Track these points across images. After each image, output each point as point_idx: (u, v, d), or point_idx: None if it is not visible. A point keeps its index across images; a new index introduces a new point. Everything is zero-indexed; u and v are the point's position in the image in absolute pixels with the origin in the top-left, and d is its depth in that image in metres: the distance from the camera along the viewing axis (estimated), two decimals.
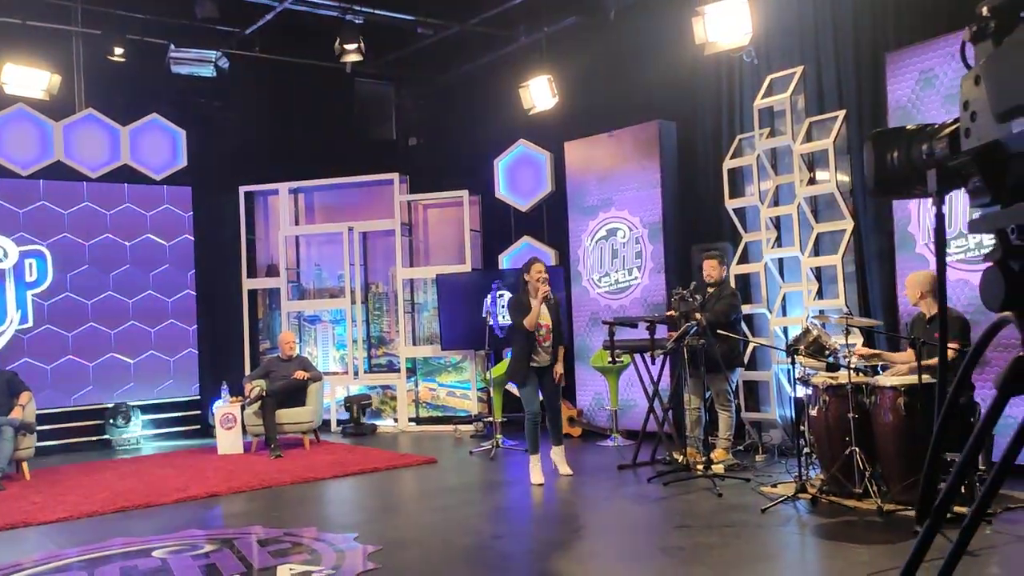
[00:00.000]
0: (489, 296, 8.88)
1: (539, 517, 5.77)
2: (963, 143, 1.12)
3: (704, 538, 4.78)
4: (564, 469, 6.68)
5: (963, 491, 4.96)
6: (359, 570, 4.52)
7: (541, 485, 6.45)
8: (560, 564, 4.64)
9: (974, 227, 1.14)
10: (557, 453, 6.72)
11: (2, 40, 8.82)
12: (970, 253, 6.14)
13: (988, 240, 6.02)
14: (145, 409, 10.01)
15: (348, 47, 9.49)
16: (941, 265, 1.25)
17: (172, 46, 9.61)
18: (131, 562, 4.91)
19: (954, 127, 1.18)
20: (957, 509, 4.86)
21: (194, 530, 5.62)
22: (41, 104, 9.23)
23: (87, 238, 9.88)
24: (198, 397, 10.46)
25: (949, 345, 5.24)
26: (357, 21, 9.50)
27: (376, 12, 9.39)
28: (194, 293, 10.52)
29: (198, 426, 10.35)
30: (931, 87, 6.37)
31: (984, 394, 5.70)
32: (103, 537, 5.46)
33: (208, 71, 9.95)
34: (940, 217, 1.24)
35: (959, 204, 6.20)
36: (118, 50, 9.35)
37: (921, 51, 6.44)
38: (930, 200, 1.25)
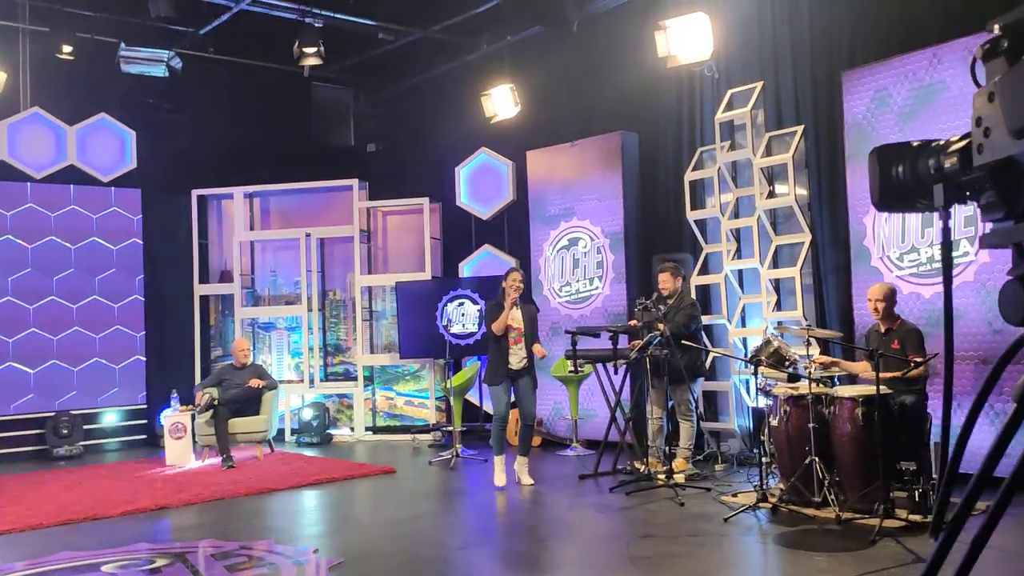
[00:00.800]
0: (445, 304, 8.84)
1: (503, 527, 5.72)
2: (975, 158, 1.12)
3: (669, 547, 4.78)
4: (526, 479, 6.67)
5: (916, 500, 5.06)
6: None
7: (503, 488, 6.49)
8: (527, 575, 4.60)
9: (987, 241, 1.14)
10: (521, 464, 6.71)
11: None
12: (922, 267, 6.26)
13: (939, 255, 6.14)
14: (89, 418, 9.73)
15: (307, 51, 9.37)
16: (947, 278, 1.25)
17: (123, 45, 9.38)
18: None
19: (964, 143, 1.17)
20: (911, 517, 4.96)
21: (144, 544, 5.46)
22: None
23: (30, 240, 9.60)
24: (145, 406, 10.20)
25: (914, 358, 5.34)
26: (316, 25, 9.39)
27: (336, 16, 9.29)
28: (142, 299, 10.27)
29: (144, 436, 10.10)
30: (885, 106, 6.51)
31: (936, 405, 5.82)
32: (49, 551, 5.26)
33: (160, 71, 9.74)
34: (947, 231, 1.24)
35: (911, 219, 6.32)
36: (67, 48, 9.10)
37: (876, 71, 6.58)
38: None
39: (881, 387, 5.07)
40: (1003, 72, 1.06)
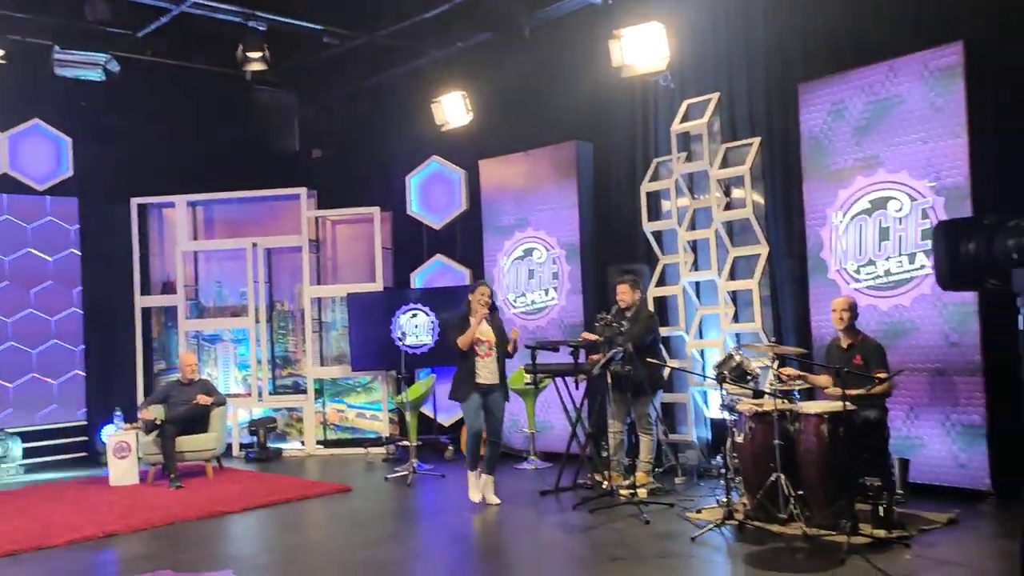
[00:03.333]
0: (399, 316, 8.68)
1: (468, 551, 5.62)
2: None
3: (641, 570, 4.75)
4: (491, 499, 6.56)
5: (880, 515, 5.12)
6: None
7: (478, 504, 6.45)
8: None
9: None
10: (487, 483, 6.58)
11: None
12: (879, 280, 6.35)
13: (897, 268, 6.25)
14: (26, 436, 9.31)
15: (252, 55, 9.11)
16: None
17: (57, 48, 8.99)
18: None
19: None
20: (875, 533, 5.03)
21: None
22: None
23: None
24: (85, 422, 9.83)
25: (879, 374, 5.39)
26: (260, 28, 9.12)
27: (280, 19, 9.04)
28: (81, 312, 9.89)
29: (85, 453, 9.72)
30: (842, 119, 6.58)
31: (894, 416, 5.92)
32: None
33: (97, 75, 9.36)
34: None
35: (868, 232, 6.41)
36: None
37: (832, 83, 6.65)
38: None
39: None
40: None
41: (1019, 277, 1.15)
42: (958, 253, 1.17)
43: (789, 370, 5.81)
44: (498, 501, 6.55)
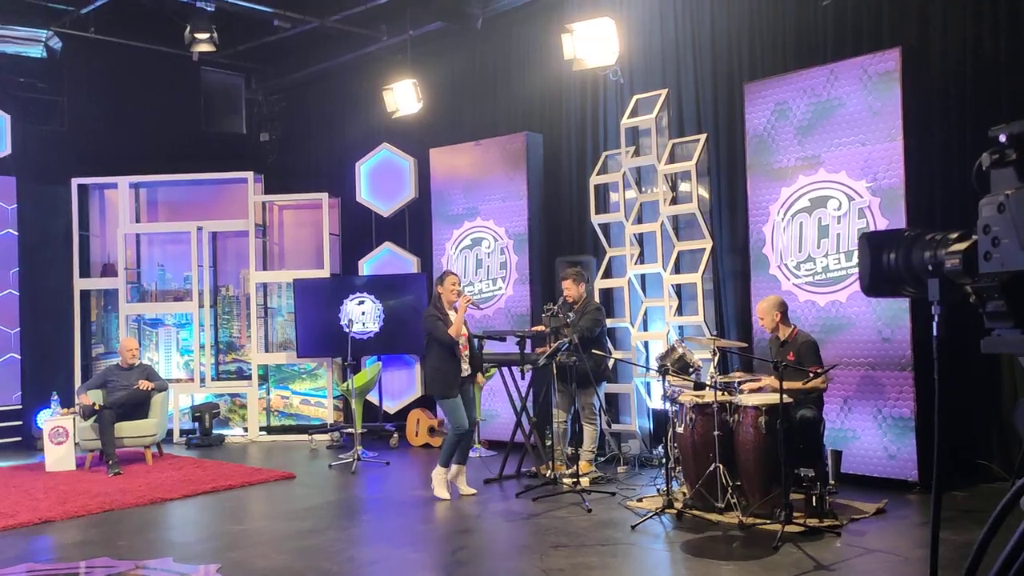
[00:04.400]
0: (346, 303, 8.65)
1: (414, 539, 5.65)
2: (982, 265, 1.15)
3: (583, 558, 4.83)
4: (465, 489, 6.54)
5: (814, 504, 5.30)
6: None
7: (446, 501, 6.34)
8: None
9: (990, 346, 1.17)
10: (459, 472, 6.54)
11: None
12: (818, 276, 6.53)
13: (834, 265, 6.44)
14: None
15: (200, 36, 9.00)
16: (940, 367, 1.28)
17: None
18: None
19: (967, 244, 1.20)
20: (809, 522, 5.20)
21: (30, 564, 5.13)
22: None
23: None
24: (20, 407, 9.61)
25: (810, 369, 5.55)
26: (209, 8, 8.99)
27: (230, 1, 8.91)
28: (17, 293, 9.65)
29: (19, 438, 9.51)
30: (785, 118, 6.74)
31: (829, 409, 6.11)
32: None
33: (37, 51, 9.16)
34: (940, 326, 1.27)
35: (808, 229, 6.59)
36: None
37: (776, 84, 6.80)
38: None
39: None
40: (1014, 185, 1.09)
41: (933, 287, 1.24)
42: (881, 263, 1.25)
43: (750, 383, 5.89)
44: (474, 491, 6.54)
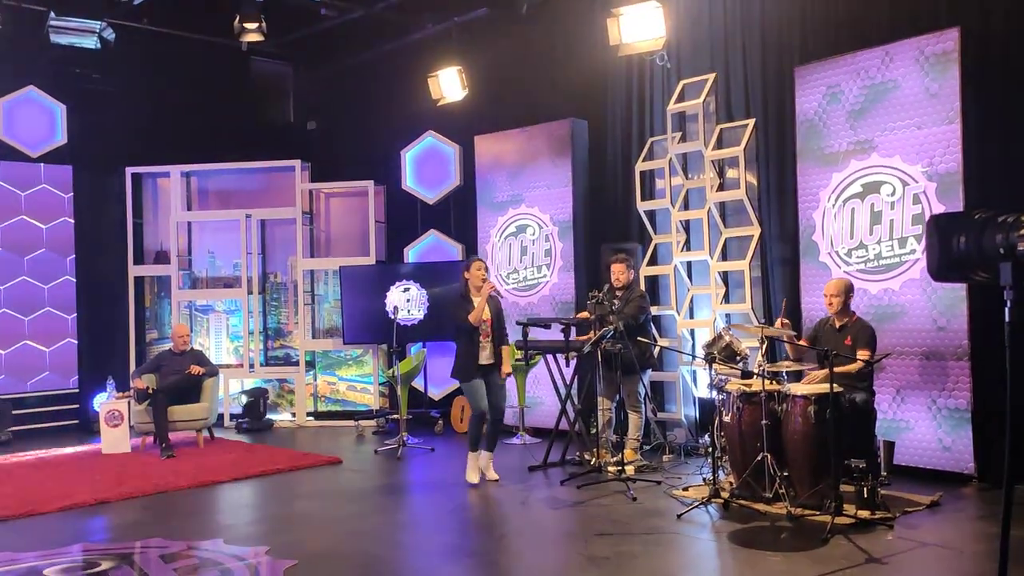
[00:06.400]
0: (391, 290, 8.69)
1: (459, 525, 5.68)
2: None
3: (627, 546, 4.81)
4: (491, 475, 6.56)
5: (865, 496, 5.20)
6: None
7: (476, 485, 6.39)
8: None
9: None
10: (487, 459, 6.58)
11: None
12: (870, 264, 6.39)
13: (887, 252, 6.29)
14: (17, 403, 9.34)
15: (248, 26, 9.03)
16: (1012, 355, 1.24)
17: (52, 14, 8.90)
18: None
19: None
20: (860, 514, 5.10)
21: (86, 543, 5.27)
22: None
23: None
24: (77, 390, 9.87)
25: (861, 356, 5.44)
26: None
27: None
28: (74, 280, 9.89)
29: (76, 421, 9.77)
30: (837, 102, 6.59)
31: (881, 399, 5.99)
32: None
33: (91, 42, 9.28)
34: (1013, 308, 1.22)
35: (860, 217, 6.44)
36: None
37: (828, 67, 6.65)
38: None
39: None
40: None
41: (1005, 271, 1.19)
42: (950, 247, 1.21)
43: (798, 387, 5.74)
44: (497, 477, 6.56)
